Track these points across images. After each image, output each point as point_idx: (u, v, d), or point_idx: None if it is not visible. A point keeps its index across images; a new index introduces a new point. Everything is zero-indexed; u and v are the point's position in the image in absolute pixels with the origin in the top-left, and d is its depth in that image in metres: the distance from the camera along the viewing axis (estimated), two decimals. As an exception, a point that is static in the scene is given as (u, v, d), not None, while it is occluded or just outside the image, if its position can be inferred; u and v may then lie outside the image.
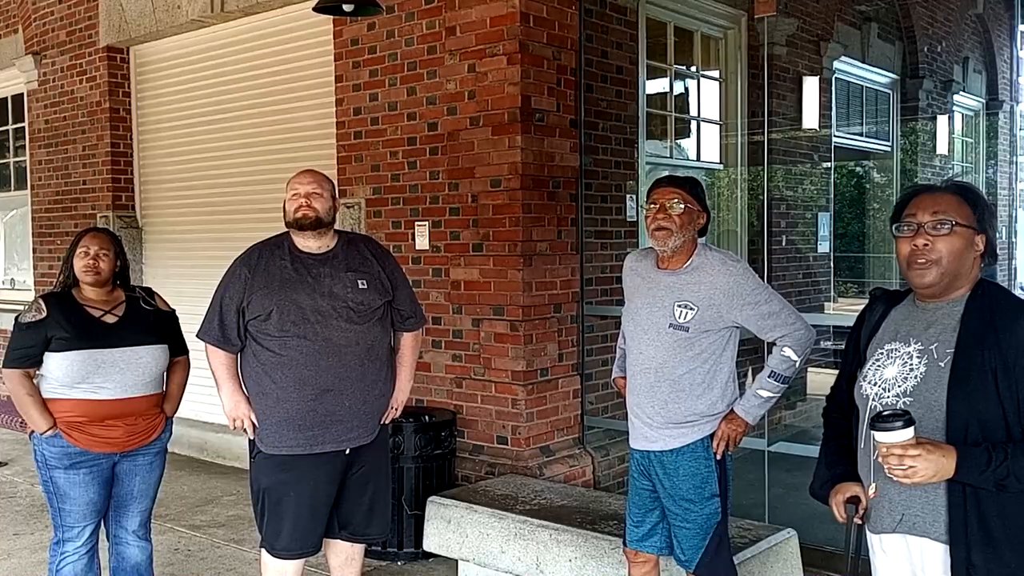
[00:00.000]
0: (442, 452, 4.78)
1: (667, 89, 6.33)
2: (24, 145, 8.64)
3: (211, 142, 7.03)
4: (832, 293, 8.08)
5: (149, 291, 3.72)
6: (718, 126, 6.78)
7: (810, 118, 7.28)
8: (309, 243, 3.42)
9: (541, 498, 4.33)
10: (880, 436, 1.98)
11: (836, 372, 2.46)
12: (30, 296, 8.46)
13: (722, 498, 2.99)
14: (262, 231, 6.00)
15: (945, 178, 5.89)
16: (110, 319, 3.45)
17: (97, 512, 3.52)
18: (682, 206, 2.95)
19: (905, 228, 2.16)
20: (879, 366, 2.20)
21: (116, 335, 3.42)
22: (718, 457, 2.98)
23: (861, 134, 8.46)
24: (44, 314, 3.37)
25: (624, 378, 3.23)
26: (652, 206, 2.99)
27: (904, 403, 2.10)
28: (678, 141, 6.65)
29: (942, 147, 9.12)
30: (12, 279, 9.44)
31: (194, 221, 7.24)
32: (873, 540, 2.25)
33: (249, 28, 6.61)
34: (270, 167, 6.49)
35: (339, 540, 3.61)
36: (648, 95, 6.02)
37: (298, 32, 6.24)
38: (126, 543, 3.66)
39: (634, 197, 5.73)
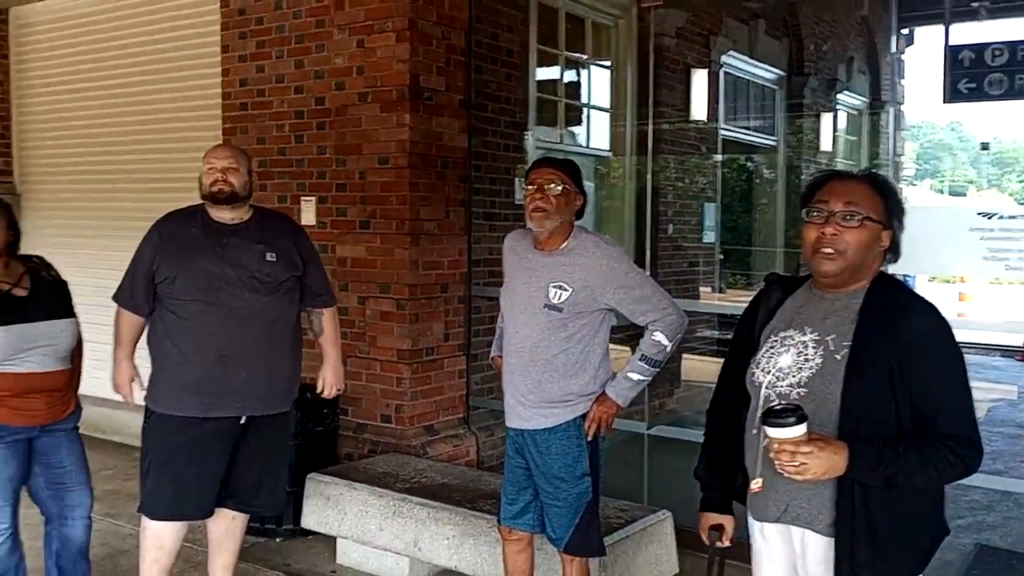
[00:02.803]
0: (323, 429, 4.74)
1: (558, 75, 6.38)
2: None
3: (96, 109, 6.77)
4: (717, 283, 8.32)
5: (43, 260, 3.56)
6: (608, 114, 6.88)
7: (698, 110, 7.43)
8: (223, 214, 3.45)
9: (422, 476, 4.34)
10: (772, 432, 1.94)
11: (715, 360, 2.45)
12: None
13: (593, 478, 3.04)
14: (147, 199, 5.93)
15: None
16: (20, 292, 3.28)
17: (15, 491, 3.34)
18: (560, 187, 2.98)
19: (815, 214, 2.10)
20: (773, 353, 2.16)
21: (32, 309, 3.27)
22: (589, 438, 3.03)
23: (748, 128, 8.70)
24: None
25: (501, 357, 3.26)
26: (530, 187, 3.02)
27: (798, 393, 2.07)
28: (568, 127, 6.72)
29: (826, 144, 9.44)
30: None
31: (78, 189, 6.98)
32: (754, 526, 2.25)
33: (134, -8, 6.39)
34: (157, 136, 6.31)
35: (223, 509, 3.60)
36: (539, 80, 6.06)
37: None
38: (71, 523, 3.48)
39: (522, 180, 5.76)
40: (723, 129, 7.97)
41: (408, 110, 4.89)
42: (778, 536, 2.20)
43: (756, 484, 2.12)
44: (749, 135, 8.70)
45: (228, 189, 3.39)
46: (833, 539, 2.07)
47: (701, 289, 7.74)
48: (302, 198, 5.32)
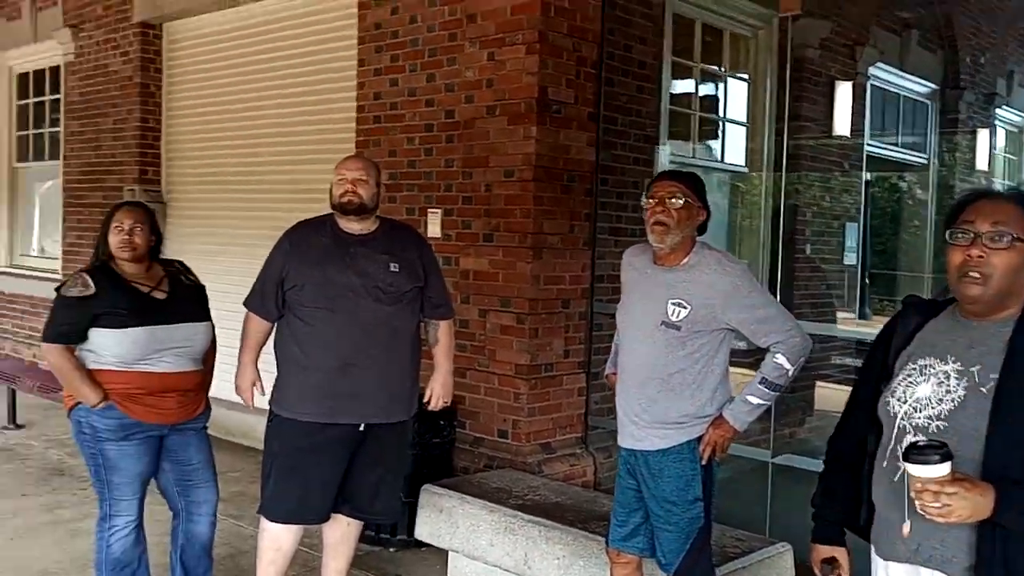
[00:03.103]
0: (440, 442, 4.75)
1: (692, 88, 6.23)
2: (59, 117, 8.75)
3: (236, 121, 7.06)
4: (857, 307, 7.93)
5: (183, 264, 3.72)
6: (744, 128, 6.67)
7: (842, 124, 7.13)
8: (351, 225, 3.54)
9: (535, 494, 4.28)
10: (914, 470, 1.81)
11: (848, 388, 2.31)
12: (58, 265, 8.58)
13: (706, 503, 2.93)
14: (283, 209, 6.10)
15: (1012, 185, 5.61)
16: (159, 295, 3.45)
17: (143, 485, 3.50)
18: (682, 201, 2.89)
19: (960, 236, 1.98)
20: (911, 383, 2.03)
21: (170, 312, 3.43)
22: (704, 462, 2.92)
23: (896, 144, 8.28)
24: (92, 290, 3.31)
25: (616, 374, 3.17)
26: (651, 200, 2.93)
27: (937, 427, 1.95)
28: (703, 142, 6.55)
29: (982, 162, 8.90)
30: (43, 247, 9.59)
31: (218, 198, 7.29)
32: (878, 563, 2.12)
33: (277, 8, 6.63)
34: (293, 148, 6.51)
35: (340, 515, 3.67)
36: (672, 93, 5.94)
37: (324, 15, 6.25)
38: (197, 519, 3.62)
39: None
40: (869, 145, 7.61)
41: (535, 123, 4.87)
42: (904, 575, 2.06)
43: (907, 528, 1.97)
44: (898, 152, 8.28)
45: (357, 200, 3.46)
46: None
47: (839, 314, 7.40)
48: (429, 210, 5.36)
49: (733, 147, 6.71)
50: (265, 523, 3.59)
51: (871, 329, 6.10)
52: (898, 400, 2.03)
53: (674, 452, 2.92)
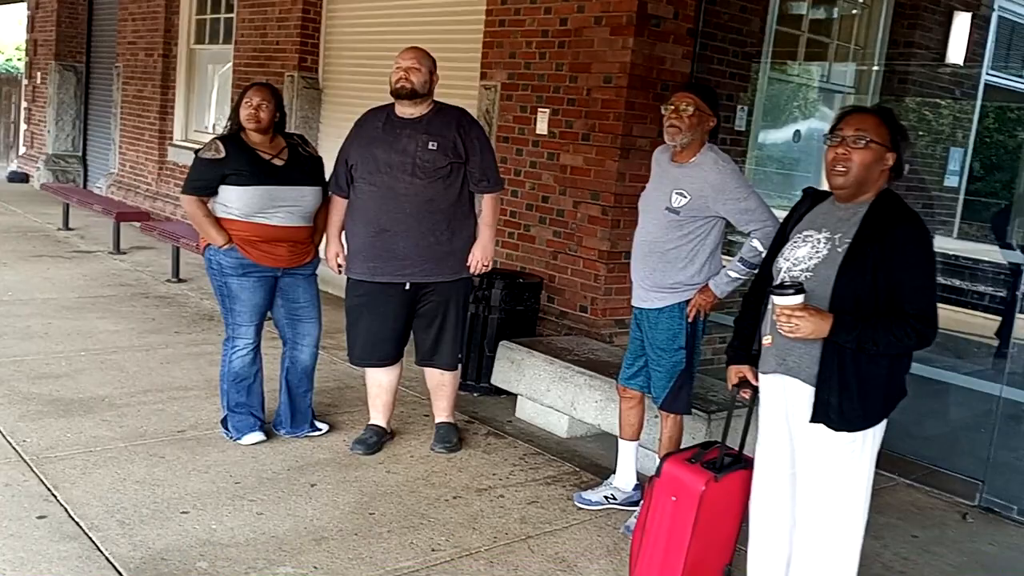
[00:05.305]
0: (524, 309, 5.53)
1: (804, 10, 6.56)
2: (234, 2, 9.58)
3: (386, 18, 7.77)
4: (956, 227, 8.10)
5: (303, 138, 4.44)
6: (853, 51, 6.94)
7: (955, 52, 7.27)
8: (406, 110, 4.13)
9: (591, 354, 5.03)
10: (776, 300, 2.58)
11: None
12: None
13: (688, 352, 3.63)
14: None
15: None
16: (278, 162, 4.14)
17: (260, 315, 4.26)
18: (692, 109, 3.50)
19: (832, 139, 2.67)
20: (795, 246, 2.74)
21: (285, 175, 4.12)
22: (690, 320, 3.61)
23: (1021, 75, 8.26)
24: (223, 155, 4.06)
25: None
26: (669, 107, 3.54)
27: (806, 276, 2.64)
28: (809, 63, 6.88)
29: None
30: (215, 125, 10.59)
31: (368, 88, 7.98)
32: (761, 379, 2.86)
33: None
34: (431, 46, 7.08)
35: (423, 367, 4.43)
36: (782, 14, 6.29)
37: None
38: (301, 348, 4.36)
39: (745, 108, 6.12)
40: (989, 75, 7.69)
41: (633, 34, 5.42)
42: (774, 385, 2.79)
43: (766, 340, 2.76)
44: (1019, 83, 8.26)
45: (409, 86, 4.04)
46: (814, 387, 2.65)
47: (937, 234, 7.64)
48: (539, 109, 6.03)
49: (840, 70, 7.02)
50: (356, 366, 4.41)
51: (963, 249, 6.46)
52: (784, 259, 2.75)
53: (667, 311, 3.62)
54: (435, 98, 4.24)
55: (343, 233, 4.30)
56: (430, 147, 4.06)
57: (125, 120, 11.97)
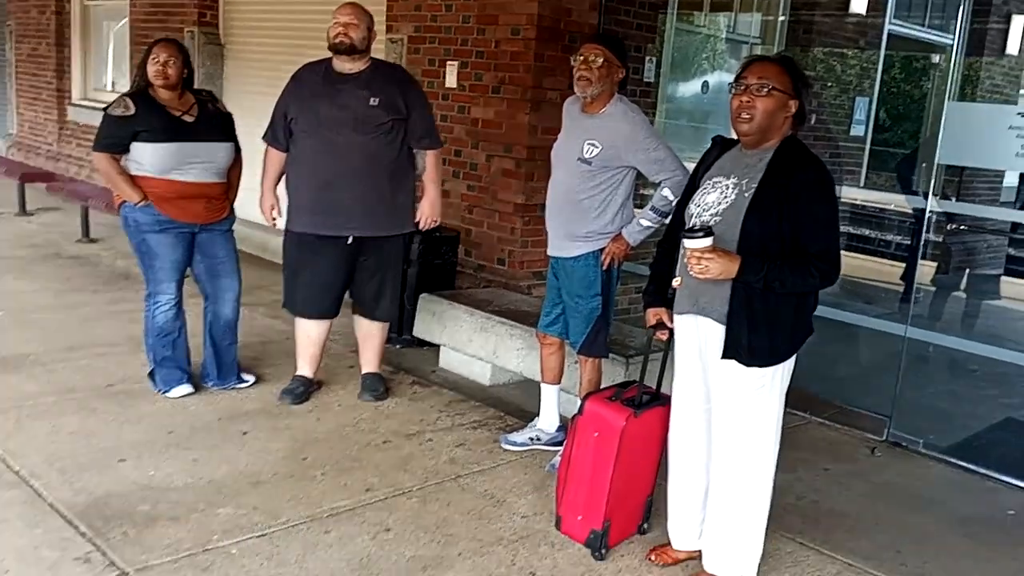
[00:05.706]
0: (441, 263, 5.55)
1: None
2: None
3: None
4: (863, 177, 8.36)
5: (212, 94, 4.40)
6: (758, 1, 7.07)
7: (859, 2, 7.44)
8: (344, 65, 4.11)
9: (511, 304, 5.09)
10: (687, 243, 2.66)
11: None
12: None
13: (603, 298, 3.70)
14: (325, 55, 6.71)
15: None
16: (188, 118, 4.12)
17: (180, 271, 4.25)
18: (600, 60, 3.53)
19: (736, 87, 2.73)
20: (704, 192, 2.82)
21: (197, 132, 4.10)
22: (604, 267, 3.67)
23: (923, 24, 8.51)
24: (132, 111, 4.01)
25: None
26: (579, 58, 3.56)
27: (715, 220, 2.71)
28: (715, 14, 6.99)
29: (1013, 47, 9.05)
30: (114, 83, 10.36)
31: (270, 43, 7.92)
32: (675, 320, 2.95)
33: None
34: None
35: (356, 316, 4.47)
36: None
37: None
38: (223, 303, 4.38)
39: (653, 60, 6.20)
40: (892, 24, 7.89)
41: (539, -15, 5.42)
42: (688, 325, 2.88)
43: (676, 281, 2.85)
44: (922, 32, 8.51)
45: (347, 41, 4.03)
46: (725, 325, 2.73)
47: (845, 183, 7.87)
48: (447, 62, 6.00)
49: (745, 20, 7.15)
50: (295, 317, 4.41)
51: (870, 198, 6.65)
52: (695, 204, 2.83)
53: (583, 259, 3.68)
54: None
55: (280, 187, 4.28)
56: (371, 103, 4.08)
57: (21, 80, 11.60)
